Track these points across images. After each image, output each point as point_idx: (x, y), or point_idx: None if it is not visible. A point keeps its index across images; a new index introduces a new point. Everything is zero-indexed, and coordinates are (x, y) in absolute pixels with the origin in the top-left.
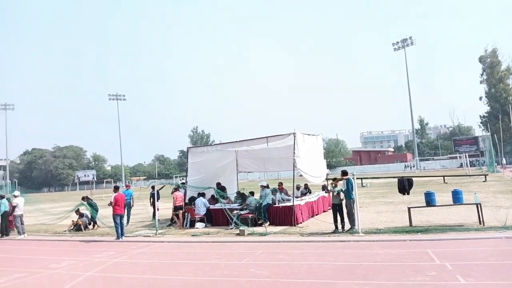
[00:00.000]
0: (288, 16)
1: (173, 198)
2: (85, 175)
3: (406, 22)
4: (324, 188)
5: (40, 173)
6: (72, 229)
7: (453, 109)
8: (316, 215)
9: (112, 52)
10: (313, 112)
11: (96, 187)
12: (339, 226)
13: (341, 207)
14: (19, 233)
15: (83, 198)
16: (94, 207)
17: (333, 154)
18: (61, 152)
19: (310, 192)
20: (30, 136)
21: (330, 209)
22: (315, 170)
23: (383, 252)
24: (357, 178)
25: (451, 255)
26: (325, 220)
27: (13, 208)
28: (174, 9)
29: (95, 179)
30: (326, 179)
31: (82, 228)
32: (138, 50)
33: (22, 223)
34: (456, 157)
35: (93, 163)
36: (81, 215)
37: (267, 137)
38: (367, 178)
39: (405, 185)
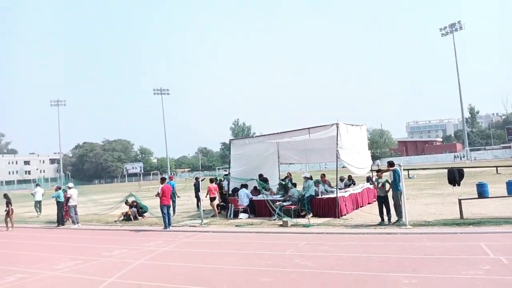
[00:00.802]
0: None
1: (207, 190)
2: (133, 168)
3: (454, 5)
4: (368, 179)
5: (91, 166)
6: (123, 219)
7: (506, 96)
8: (361, 207)
9: (155, 48)
10: (356, 102)
11: (143, 179)
12: (385, 218)
13: (387, 198)
14: (73, 222)
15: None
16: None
17: (378, 145)
18: (110, 145)
19: (354, 184)
20: (81, 130)
21: (375, 201)
22: (359, 161)
23: (432, 244)
24: (403, 169)
25: (506, 249)
26: (371, 212)
27: (68, 199)
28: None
29: (142, 171)
30: (371, 170)
31: (132, 218)
32: (179, 45)
33: (76, 213)
34: (510, 147)
35: (140, 156)
36: (130, 206)
37: (309, 128)
38: (414, 169)
39: (455, 176)
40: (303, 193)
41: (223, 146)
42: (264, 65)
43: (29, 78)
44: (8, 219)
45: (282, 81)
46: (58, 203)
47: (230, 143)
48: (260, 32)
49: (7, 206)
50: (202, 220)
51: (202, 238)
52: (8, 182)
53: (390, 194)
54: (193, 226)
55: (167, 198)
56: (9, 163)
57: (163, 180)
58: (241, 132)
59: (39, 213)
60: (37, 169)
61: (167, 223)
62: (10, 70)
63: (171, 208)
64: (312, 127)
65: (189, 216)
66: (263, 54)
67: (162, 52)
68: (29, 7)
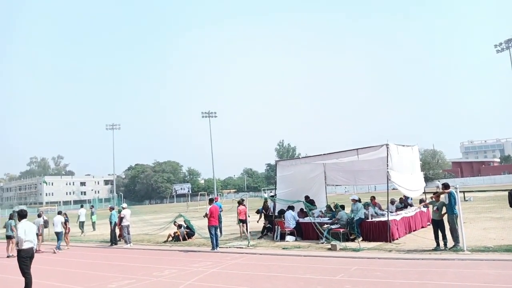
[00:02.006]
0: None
1: (237, 212)
2: (181, 188)
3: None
4: (422, 202)
5: (142, 187)
6: (172, 240)
7: None
8: (414, 231)
9: (203, 72)
10: (407, 122)
11: (191, 200)
12: (441, 243)
13: (442, 222)
14: (126, 242)
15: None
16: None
17: (430, 166)
18: (160, 167)
19: (407, 207)
20: (134, 152)
21: (429, 224)
22: (411, 183)
23: (493, 272)
24: (459, 192)
25: None
26: (425, 236)
27: (121, 219)
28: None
29: (190, 192)
30: (424, 192)
31: (181, 238)
32: (224, 68)
33: (128, 233)
34: None
35: (188, 177)
36: (179, 226)
37: (357, 149)
38: (471, 191)
39: None
40: (352, 216)
41: (268, 167)
42: (309, 85)
43: (86, 103)
44: (65, 238)
45: (328, 101)
46: (111, 223)
47: (276, 164)
48: (301, 52)
49: (65, 224)
50: (249, 242)
51: (249, 260)
52: (66, 202)
53: (445, 218)
54: (240, 247)
55: (215, 219)
56: (66, 184)
57: (211, 201)
58: (286, 153)
59: (83, 233)
60: (92, 190)
61: (214, 244)
62: (69, 96)
63: (219, 229)
64: (361, 148)
65: (236, 238)
66: (307, 74)
67: (208, 75)
68: (87, 35)
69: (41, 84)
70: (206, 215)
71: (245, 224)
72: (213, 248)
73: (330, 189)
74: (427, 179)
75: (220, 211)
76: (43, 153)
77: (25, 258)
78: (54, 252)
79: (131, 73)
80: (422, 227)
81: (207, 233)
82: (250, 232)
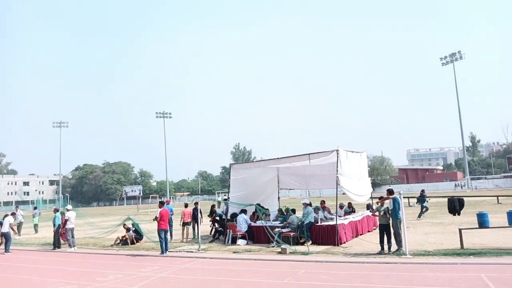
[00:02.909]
0: (338, 30)
1: (182, 214)
2: (132, 190)
3: (455, 35)
4: (368, 207)
5: (90, 188)
6: (119, 243)
7: (506, 125)
8: (361, 235)
9: (159, 72)
10: (356, 129)
11: (142, 202)
12: (386, 247)
13: (388, 227)
14: (69, 246)
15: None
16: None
17: (378, 172)
18: (110, 167)
19: (354, 211)
20: (82, 152)
21: (375, 229)
22: (359, 189)
23: (432, 275)
24: (403, 197)
25: (508, 281)
26: (370, 240)
27: (65, 221)
28: (225, 26)
29: (141, 194)
30: (371, 197)
31: (129, 242)
32: (181, 68)
33: (73, 236)
34: (511, 176)
35: (139, 178)
36: (127, 230)
37: (309, 154)
38: (414, 197)
39: (455, 205)
40: (302, 220)
41: (223, 170)
42: (267, 91)
43: (31, 99)
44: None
45: (283, 108)
46: (54, 225)
47: (230, 167)
48: (263, 57)
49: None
50: (199, 246)
51: (199, 265)
52: (6, 203)
53: (391, 223)
54: (190, 251)
55: (165, 223)
56: (8, 183)
57: (161, 204)
58: (241, 156)
59: (17, 234)
60: (36, 190)
61: (163, 248)
62: (12, 90)
63: (169, 233)
64: (313, 153)
65: (187, 242)
66: (266, 79)
67: (162, 75)
68: (32, 26)
69: None
70: (156, 219)
71: (189, 227)
72: (162, 252)
73: (283, 193)
74: (375, 184)
75: (171, 215)
76: None
77: None
78: (4, 254)
79: (82, 68)
80: (368, 231)
81: (156, 236)
82: (201, 236)
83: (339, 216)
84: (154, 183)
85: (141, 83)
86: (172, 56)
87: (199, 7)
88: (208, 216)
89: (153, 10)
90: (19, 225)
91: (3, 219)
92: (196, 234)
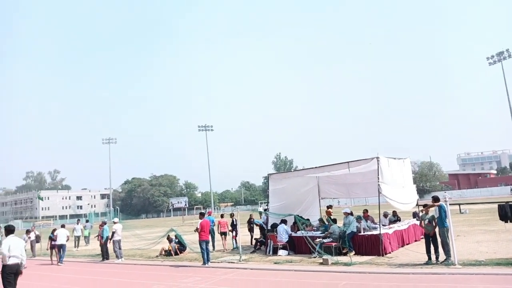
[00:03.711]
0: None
1: (218, 224)
2: (178, 202)
3: (500, 34)
4: (415, 215)
5: (139, 201)
6: (164, 254)
7: None
8: (407, 244)
9: (198, 85)
10: (402, 134)
11: (187, 214)
12: (433, 257)
13: (435, 236)
14: (117, 257)
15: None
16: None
17: (427, 178)
18: (157, 180)
19: (399, 220)
20: (130, 166)
21: (422, 238)
22: (403, 196)
23: (483, 287)
24: (454, 204)
25: None
26: (417, 250)
27: (112, 233)
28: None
29: (187, 206)
30: (417, 205)
31: (173, 253)
32: (222, 81)
33: (120, 248)
34: None
35: (185, 190)
36: (170, 241)
37: (348, 162)
38: (467, 203)
39: (507, 212)
40: (344, 230)
41: (265, 180)
42: (308, 99)
43: (83, 118)
44: (54, 252)
45: (325, 114)
46: (102, 237)
47: (268, 177)
48: (300, 65)
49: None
50: (240, 257)
51: (240, 276)
52: (62, 217)
53: (437, 231)
54: (231, 262)
55: (206, 234)
56: (63, 198)
57: (202, 215)
58: (283, 166)
59: (76, 248)
60: (88, 204)
61: (205, 259)
62: (65, 110)
63: (210, 244)
64: (352, 161)
65: (228, 253)
66: (307, 87)
67: (205, 89)
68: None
69: (38, 98)
70: (196, 230)
71: (227, 237)
72: (204, 263)
73: (326, 202)
74: (424, 191)
75: (212, 226)
76: (39, 167)
77: (8, 274)
78: (58, 265)
79: (127, 87)
80: (415, 240)
81: (199, 247)
82: (242, 246)
83: (383, 225)
84: (199, 194)
85: (182, 98)
86: (210, 69)
87: (234, 19)
88: (247, 222)
89: (195, 22)
90: (77, 238)
91: (52, 233)
92: (235, 244)
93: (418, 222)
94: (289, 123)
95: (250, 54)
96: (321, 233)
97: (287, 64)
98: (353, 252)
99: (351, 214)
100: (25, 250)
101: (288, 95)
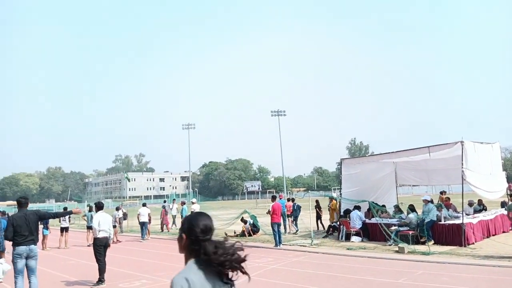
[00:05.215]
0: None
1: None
2: (251, 186)
3: None
4: (503, 204)
5: (215, 183)
6: (238, 235)
7: None
8: (493, 235)
9: (271, 70)
10: (492, 116)
11: (261, 197)
12: None
13: None
14: None
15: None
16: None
17: None
18: (232, 164)
19: (485, 209)
20: (208, 150)
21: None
22: (490, 184)
23: None
24: None
25: None
26: (505, 242)
27: (191, 213)
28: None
29: (260, 189)
30: (507, 194)
31: (246, 234)
32: (294, 65)
33: None
34: None
35: (258, 174)
36: (244, 222)
37: (429, 146)
38: None
39: None
40: (423, 218)
41: (338, 166)
42: (386, 81)
43: (164, 104)
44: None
45: (403, 97)
46: (182, 216)
47: (341, 162)
48: (369, 49)
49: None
50: (312, 241)
51: (311, 259)
52: (146, 197)
53: None
54: (303, 246)
55: (278, 216)
56: (147, 180)
57: (274, 198)
58: (358, 151)
59: (176, 226)
60: (170, 186)
61: (277, 241)
62: (150, 99)
63: (282, 226)
64: (433, 146)
65: (300, 236)
66: (384, 69)
67: (278, 73)
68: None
69: (125, 89)
70: (268, 212)
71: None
72: (276, 244)
73: (406, 190)
74: None
75: (284, 209)
76: (127, 151)
77: (99, 246)
78: (141, 241)
79: (203, 74)
80: (504, 231)
81: (271, 230)
82: (314, 231)
83: (467, 215)
84: (272, 179)
85: (256, 82)
86: (281, 54)
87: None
88: (315, 208)
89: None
90: (174, 217)
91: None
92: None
93: (506, 212)
94: (364, 107)
95: (324, 40)
96: (397, 221)
97: (364, 46)
98: (432, 242)
99: (431, 201)
100: (113, 225)
101: (366, 78)
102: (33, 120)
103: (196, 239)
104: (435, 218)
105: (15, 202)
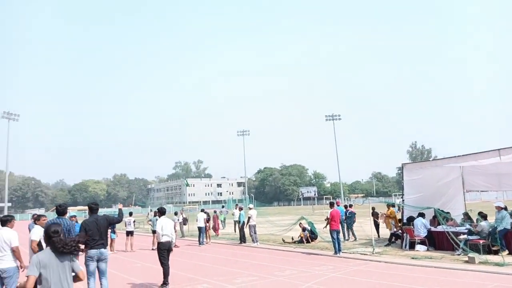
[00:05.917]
0: None
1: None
2: (307, 191)
3: None
4: None
5: (271, 189)
6: (296, 242)
7: None
8: None
9: (320, 76)
10: None
11: (317, 203)
12: None
13: None
14: (253, 241)
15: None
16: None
17: None
18: (287, 170)
19: None
20: (263, 156)
21: None
22: None
23: None
24: None
25: None
26: None
27: (248, 219)
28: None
29: (316, 195)
30: None
31: (304, 240)
32: (349, 70)
33: (255, 232)
34: None
35: (314, 180)
36: (303, 229)
37: (499, 149)
38: None
39: None
40: (495, 226)
41: (399, 171)
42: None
43: (219, 113)
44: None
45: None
46: (239, 222)
47: (402, 167)
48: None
49: (207, 222)
50: (373, 249)
51: (373, 268)
52: (205, 202)
53: None
54: (364, 254)
55: (336, 223)
56: (205, 185)
57: (331, 205)
58: (419, 155)
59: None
60: (227, 191)
61: (337, 248)
62: (205, 107)
63: (341, 233)
64: (504, 148)
65: (360, 244)
66: (435, 68)
67: (332, 78)
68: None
69: (182, 99)
70: (327, 219)
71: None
72: (335, 252)
73: (474, 196)
74: None
75: (343, 216)
76: (186, 157)
77: (162, 250)
78: (199, 246)
79: (257, 81)
80: None
81: (329, 237)
82: (375, 239)
83: None
84: (328, 185)
85: (310, 88)
86: (338, 56)
87: None
88: (372, 215)
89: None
90: (237, 223)
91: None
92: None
93: None
94: (425, 109)
95: (385, 38)
96: (465, 229)
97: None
98: (506, 252)
99: (505, 209)
100: (175, 230)
101: (419, 74)
102: (99, 132)
103: (49, 237)
104: (509, 227)
105: (85, 207)
